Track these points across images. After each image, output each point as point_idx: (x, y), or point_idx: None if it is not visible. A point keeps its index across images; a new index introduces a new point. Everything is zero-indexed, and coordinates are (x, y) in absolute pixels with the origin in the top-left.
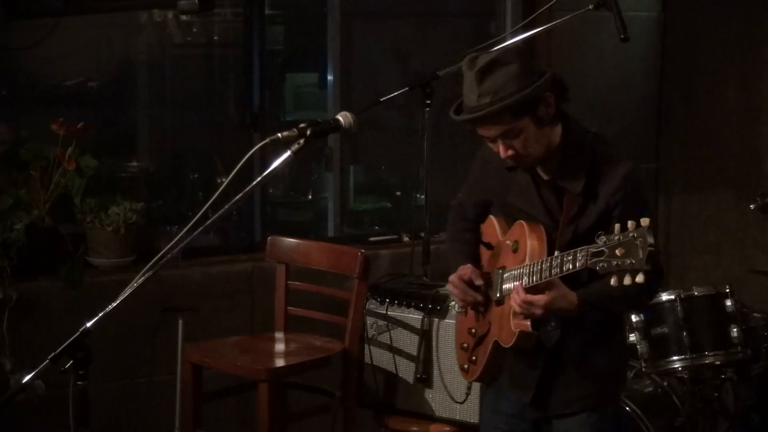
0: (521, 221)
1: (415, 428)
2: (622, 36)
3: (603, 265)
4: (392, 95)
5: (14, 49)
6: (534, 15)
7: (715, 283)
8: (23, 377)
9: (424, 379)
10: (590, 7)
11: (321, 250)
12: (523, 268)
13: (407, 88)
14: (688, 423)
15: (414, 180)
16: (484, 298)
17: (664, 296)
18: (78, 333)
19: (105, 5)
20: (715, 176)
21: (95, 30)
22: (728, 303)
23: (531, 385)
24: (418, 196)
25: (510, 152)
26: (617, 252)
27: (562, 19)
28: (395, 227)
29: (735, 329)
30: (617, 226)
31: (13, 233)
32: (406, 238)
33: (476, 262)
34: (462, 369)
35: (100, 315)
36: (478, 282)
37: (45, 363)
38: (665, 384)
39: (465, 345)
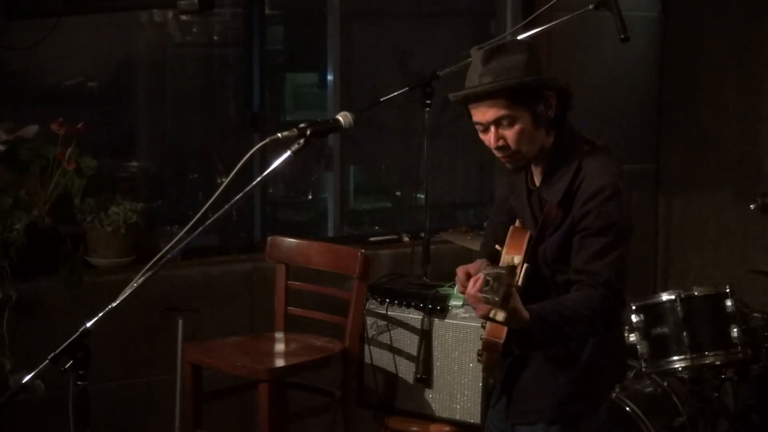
0: (512, 226)
1: (415, 428)
2: (622, 36)
3: (485, 296)
4: (392, 95)
5: (14, 49)
6: (534, 15)
7: (715, 283)
8: (23, 377)
9: (424, 379)
10: (590, 7)
11: (321, 250)
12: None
13: (407, 88)
14: (688, 423)
15: (414, 180)
16: None
17: (664, 296)
18: (78, 333)
19: (105, 5)
20: (715, 176)
21: (95, 30)
22: (728, 303)
23: (502, 391)
24: (418, 196)
25: (500, 142)
26: (494, 284)
27: (562, 19)
28: (395, 227)
29: (735, 329)
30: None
31: (13, 233)
32: (406, 238)
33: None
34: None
35: (100, 315)
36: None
37: (45, 363)
38: (665, 384)
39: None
